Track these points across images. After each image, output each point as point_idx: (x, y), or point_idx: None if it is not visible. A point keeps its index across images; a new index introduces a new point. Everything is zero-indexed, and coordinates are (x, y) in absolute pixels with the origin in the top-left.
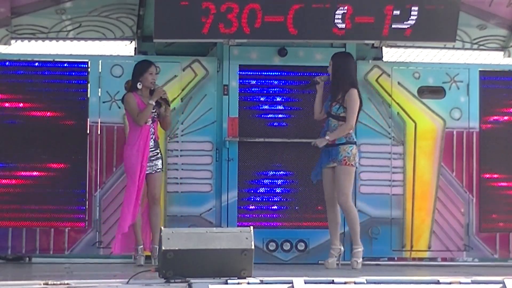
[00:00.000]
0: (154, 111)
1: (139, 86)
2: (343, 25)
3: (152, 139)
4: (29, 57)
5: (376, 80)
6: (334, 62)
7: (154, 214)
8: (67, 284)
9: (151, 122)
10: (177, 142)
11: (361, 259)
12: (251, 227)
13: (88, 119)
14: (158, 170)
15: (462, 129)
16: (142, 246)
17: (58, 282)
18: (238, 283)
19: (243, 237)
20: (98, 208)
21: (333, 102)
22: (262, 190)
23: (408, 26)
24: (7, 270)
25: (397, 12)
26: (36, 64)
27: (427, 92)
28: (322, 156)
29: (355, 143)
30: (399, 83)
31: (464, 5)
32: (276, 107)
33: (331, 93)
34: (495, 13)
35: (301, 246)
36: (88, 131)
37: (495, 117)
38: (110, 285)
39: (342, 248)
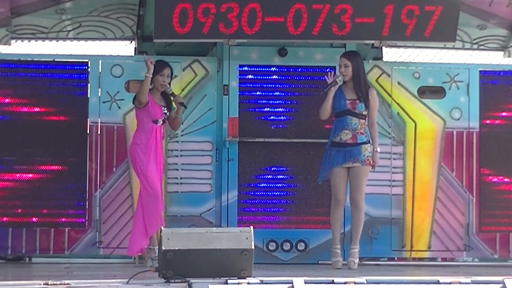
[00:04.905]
0: (165, 112)
1: (150, 86)
2: (343, 25)
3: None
4: (29, 57)
5: (376, 80)
6: (355, 62)
7: None
8: (67, 284)
9: (161, 122)
10: (177, 142)
11: (357, 259)
12: (251, 227)
13: (88, 119)
14: None
15: (462, 129)
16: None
17: (58, 282)
18: (238, 283)
19: (243, 237)
20: (98, 208)
21: (355, 100)
22: (262, 190)
23: (408, 26)
24: (7, 270)
25: (397, 12)
26: (36, 64)
27: (427, 92)
28: (336, 156)
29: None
30: (399, 83)
31: (464, 5)
32: (276, 107)
33: (354, 92)
34: (495, 13)
35: (301, 246)
36: (88, 131)
37: (495, 117)
38: (110, 285)
39: None
